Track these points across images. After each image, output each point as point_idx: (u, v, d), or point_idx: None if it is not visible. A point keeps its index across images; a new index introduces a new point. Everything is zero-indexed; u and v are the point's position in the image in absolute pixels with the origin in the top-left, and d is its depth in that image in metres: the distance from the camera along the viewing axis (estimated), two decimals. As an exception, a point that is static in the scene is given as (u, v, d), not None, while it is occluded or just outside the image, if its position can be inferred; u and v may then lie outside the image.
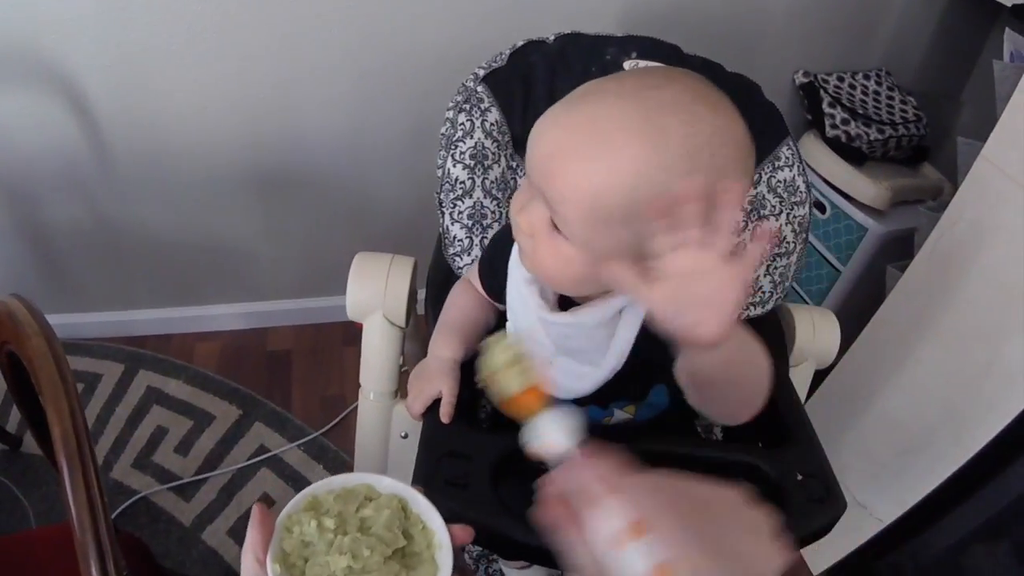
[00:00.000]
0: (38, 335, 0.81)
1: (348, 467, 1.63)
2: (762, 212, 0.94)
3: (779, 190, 0.94)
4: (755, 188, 0.94)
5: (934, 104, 1.78)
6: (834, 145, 1.67)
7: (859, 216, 1.64)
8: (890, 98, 1.75)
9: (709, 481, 0.47)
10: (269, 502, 1.58)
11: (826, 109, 1.67)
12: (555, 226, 0.64)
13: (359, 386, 1.02)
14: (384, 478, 0.57)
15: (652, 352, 0.72)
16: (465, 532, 0.57)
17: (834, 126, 1.66)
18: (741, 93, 0.95)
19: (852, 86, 1.73)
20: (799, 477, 0.82)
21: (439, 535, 0.55)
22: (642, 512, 0.41)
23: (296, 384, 1.85)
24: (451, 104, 0.95)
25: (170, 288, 1.90)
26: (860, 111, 1.68)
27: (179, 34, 1.45)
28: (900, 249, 1.62)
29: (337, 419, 1.74)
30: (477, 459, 0.74)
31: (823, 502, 0.81)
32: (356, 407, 1.71)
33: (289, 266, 1.90)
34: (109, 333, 1.92)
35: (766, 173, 0.94)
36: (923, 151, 1.76)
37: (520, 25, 1.50)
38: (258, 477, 1.63)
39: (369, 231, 1.83)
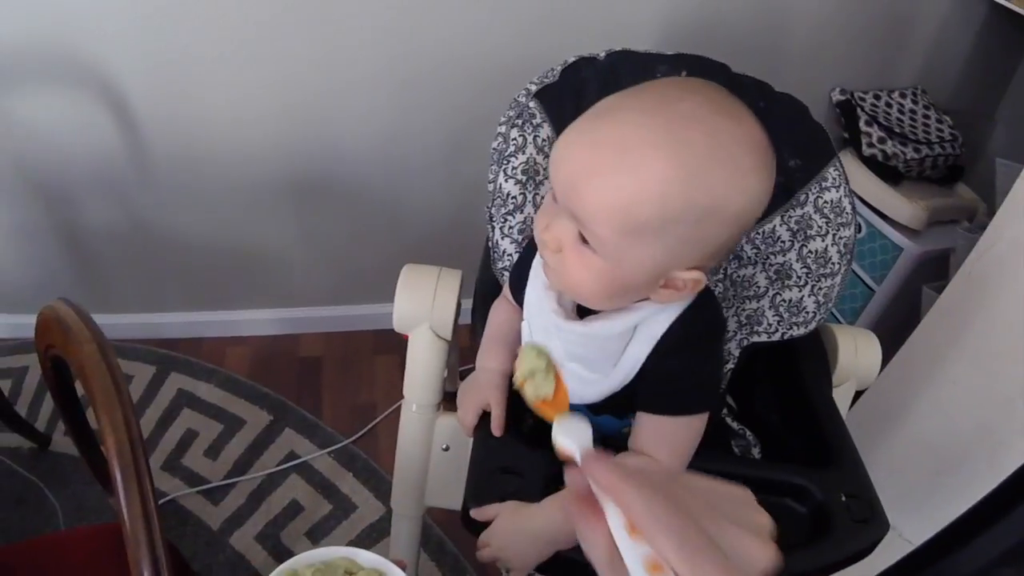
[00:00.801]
0: (90, 342, 0.81)
1: (377, 475, 1.64)
2: (809, 232, 0.94)
3: (826, 211, 0.94)
4: (802, 208, 0.94)
5: (968, 123, 1.78)
6: (870, 164, 1.66)
7: (895, 236, 1.64)
8: (926, 117, 1.74)
9: (715, 479, 0.48)
10: (298, 509, 1.59)
11: (863, 127, 1.66)
12: (583, 240, 0.65)
13: (402, 396, 1.02)
14: (363, 552, 0.58)
15: (665, 369, 0.73)
16: None
17: (871, 144, 1.65)
18: (790, 113, 0.96)
19: (888, 104, 1.73)
20: (843, 498, 0.82)
21: None
22: (634, 511, 0.42)
23: (326, 391, 1.85)
24: (503, 119, 0.96)
25: (202, 292, 1.91)
26: (897, 130, 1.67)
27: (219, 42, 1.46)
28: (935, 269, 1.61)
29: (367, 427, 1.74)
30: (530, 475, 0.75)
31: (867, 523, 0.81)
32: (386, 416, 1.75)
33: (322, 273, 1.91)
34: (141, 335, 1.93)
35: (813, 193, 0.94)
36: (958, 170, 1.75)
37: (555, 40, 1.52)
38: (288, 483, 1.63)
39: (403, 241, 1.84)
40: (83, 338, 0.81)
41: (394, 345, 1.92)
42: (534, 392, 0.54)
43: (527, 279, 0.82)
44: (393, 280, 1.00)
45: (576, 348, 0.75)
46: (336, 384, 1.87)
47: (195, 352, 1.91)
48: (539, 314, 0.78)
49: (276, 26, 1.46)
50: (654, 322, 0.72)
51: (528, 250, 0.85)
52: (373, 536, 1.53)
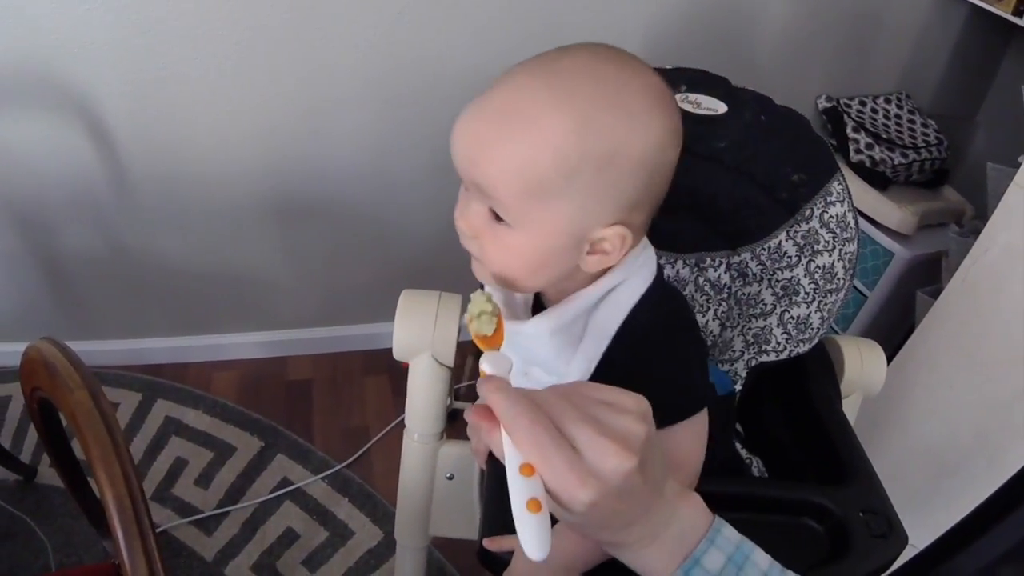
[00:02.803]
0: (80, 388, 0.77)
1: (373, 500, 1.61)
2: (816, 247, 0.93)
3: (832, 225, 0.93)
4: (808, 223, 0.93)
5: (951, 126, 1.79)
6: (858, 170, 1.67)
7: (885, 241, 1.64)
8: (911, 121, 1.75)
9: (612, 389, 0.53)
10: (293, 537, 1.55)
11: (850, 134, 1.66)
12: (496, 218, 0.63)
13: (395, 418, 1.00)
14: None
15: (632, 365, 0.69)
16: None
17: (858, 151, 1.66)
18: (792, 127, 0.95)
19: (874, 110, 1.73)
20: (861, 514, 0.81)
21: None
22: (502, 418, 0.49)
23: (317, 415, 1.82)
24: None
25: (187, 316, 1.87)
26: (883, 135, 1.68)
27: (200, 62, 1.43)
28: (926, 273, 1.62)
29: (361, 451, 1.71)
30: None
31: (886, 538, 0.80)
32: (379, 439, 1.72)
33: (308, 294, 1.88)
34: (125, 361, 1.89)
35: (818, 208, 0.93)
36: (944, 173, 1.76)
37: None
38: (282, 511, 1.60)
39: (390, 261, 1.82)
40: (73, 384, 0.77)
41: (384, 366, 1.89)
42: (477, 329, 0.61)
43: None
44: (382, 301, 0.97)
45: (530, 351, 0.74)
46: (327, 407, 1.84)
47: (181, 378, 1.87)
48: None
49: (259, 45, 1.43)
50: (607, 316, 0.70)
51: None
52: (372, 563, 1.50)
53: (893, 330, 1.69)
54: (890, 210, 1.63)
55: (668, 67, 0.96)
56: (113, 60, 1.41)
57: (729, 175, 0.96)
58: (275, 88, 1.50)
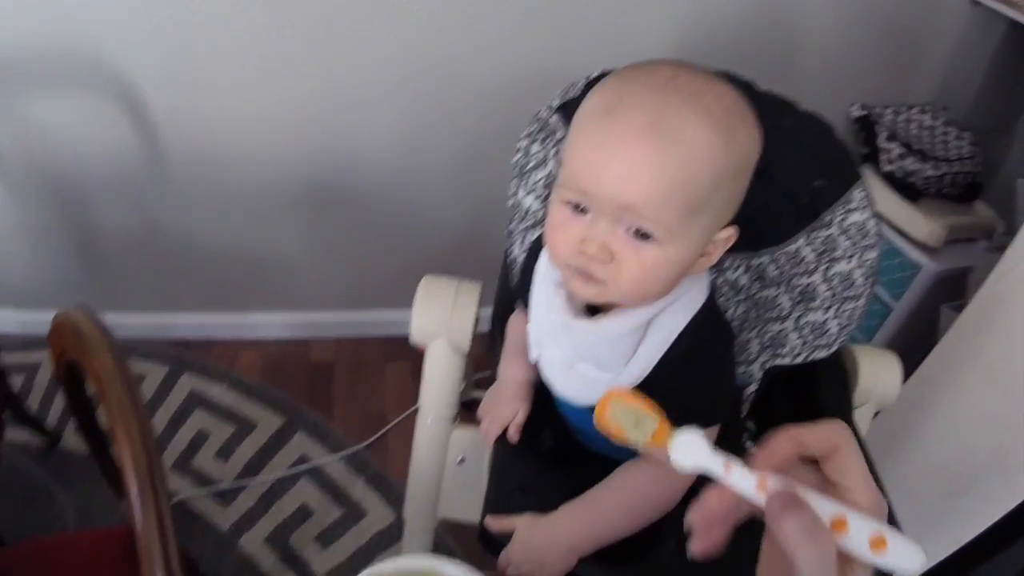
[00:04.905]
0: (106, 353, 0.80)
1: (387, 483, 1.64)
2: (834, 254, 0.93)
3: (851, 232, 0.93)
4: (827, 229, 0.94)
5: (986, 140, 1.76)
6: (889, 180, 1.65)
7: (913, 253, 1.62)
8: (945, 133, 1.73)
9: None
10: (307, 513, 1.58)
11: (882, 144, 1.65)
12: (638, 236, 0.64)
13: (413, 404, 1.02)
14: (448, 563, 0.56)
15: (678, 382, 0.72)
16: None
17: (890, 161, 1.64)
18: (816, 132, 0.95)
19: (908, 120, 1.72)
20: None
21: None
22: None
23: (338, 396, 1.85)
24: (524, 134, 0.95)
25: (215, 294, 1.91)
26: (916, 146, 1.66)
27: (236, 52, 1.48)
28: (953, 288, 1.60)
29: (378, 434, 1.74)
30: (548, 493, 0.74)
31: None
32: (397, 423, 1.74)
33: (335, 279, 1.91)
34: (154, 335, 1.94)
35: (839, 215, 0.93)
36: (976, 188, 1.74)
37: (570, 56, 1.52)
38: (298, 487, 1.63)
39: (416, 251, 1.85)
40: (100, 348, 0.80)
41: (406, 352, 1.90)
42: (640, 439, 0.51)
43: (531, 282, 0.82)
44: (406, 288, 0.99)
45: (586, 347, 0.75)
46: (348, 390, 1.87)
47: (207, 354, 1.92)
48: (547, 314, 0.77)
49: (292, 39, 1.47)
50: (668, 321, 0.72)
51: (532, 253, 0.85)
52: (382, 544, 1.53)
53: (918, 344, 1.67)
54: (919, 222, 1.61)
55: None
56: (154, 47, 1.46)
57: (753, 178, 0.96)
58: (307, 80, 1.53)
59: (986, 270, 1.29)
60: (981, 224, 1.69)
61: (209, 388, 1.83)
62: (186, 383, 1.84)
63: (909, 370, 1.43)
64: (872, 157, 1.68)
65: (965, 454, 1.33)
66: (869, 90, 1.75)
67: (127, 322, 1.92)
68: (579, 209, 0.66)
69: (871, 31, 1.66)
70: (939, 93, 1.80)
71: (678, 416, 0.73)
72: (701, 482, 0.49)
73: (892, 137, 1.66)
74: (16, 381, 1.74)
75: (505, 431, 0.81)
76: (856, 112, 1.71)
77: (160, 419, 1.75)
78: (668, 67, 0.66)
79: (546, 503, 0.72)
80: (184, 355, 1.90)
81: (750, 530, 0.60)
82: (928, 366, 1.39)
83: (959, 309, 1.35)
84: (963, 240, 1.66)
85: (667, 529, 0.75)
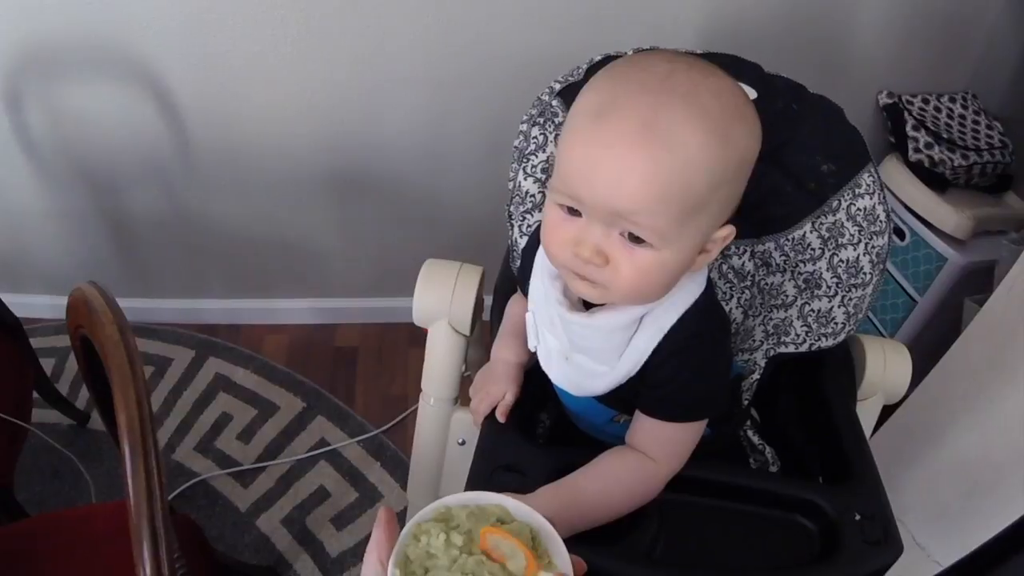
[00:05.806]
0: (111, 324, 0.85)
1: (404, 466, 1.65)
2: (840, 241, 0.92)
3: (858, 218, 0.92)
4: (834, 215, 0.92)
5: (1019, 130, 1.71)
6: (916, 170, 1.61)
7: (939, 245, 1.59)
8: (976, 123, 1.69)
9: None
10: (324, 495, 1.61)
11: (910, 132, 1.62)
12: (632, 240, 0.63)
13: (421, 390, 1.03)
14: (516, 503, 0.56)
15: (670, 374, 0.72)
16: (582, 568, 0.56)
17: (917, 150, 1.61)
18: (825, 116, 0.94)
19: (937, 109, 1.67)
20: (857, 517, 0.80)
21: (564, 571, 0.52)
22: None
23: (360, 381, 1.88)
24: (525, 117, 0.96)
25: (242, 280, 1.95)
26: (945, 135, 1.62)
27: (262, 40, 1.50)
28: (979, 281, 1.56)
29: (398, 418, 1.76)
30: (531, 473, 0.75)
31: (879, 545, 0.79)
32: (417, 408, 1.76)
33: (360, 266, 1.93)
34: (182, 320, 1.98)
35: (846, 200, 0.92)
36: (1007, 179, 1.69)
37: (600, 38, 1.50)
38: (316, 469, 1.66)
39: (441, 237, 1.86)
40: (106, 319, 0.84)
41: (429, 338, 1.93)
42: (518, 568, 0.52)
43: (531, 268, 0.82)
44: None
45: (582, 340, 0.75)
46: (370, 375, 1.90)
47: (234, 338, 1.96)
48: (544, 305, 0.77)
49: (319, 25, 1.48)
50: (662, 314, 0.71)
51: (533, 240, 0.85)
52: (397, 527, 1.54)
53: (942, 339, 1.63)
54: (946, 213, 1.57)
55: (699, 51, 0.96)
56: (182, 35, 1.49)
57: (758, 163, 0.95)
58: (333, 68, 1.55)
59: (1009, 262, 1.25)
60: (1011, 216, 1.65)
61: (234, 371, 1.87)
62: (212, 366, 1.88)
63: (934, 365, 1.40)
64: (899, 146, 1.65)
65: (983, 451, 1.30)
66: (900, 77, 1.71)
67: (157, 307, 1.97)
68: (573, 212, 0.65)
69: (904, 16, 1.62)
70: (972, 82, 1.75)
71: (669, 408, 0.74)
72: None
73: (919, 125, 1.62)
74: (48, 364, 1.80)
75: (493, 411, 0.81)
76: (884, 99, 1.68)
77: (185, 401, 1.80)
78: (663, 62, 0.64)
79: (529, 483, 0.72)
80: (211, 339, 1.95)
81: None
82: (948, 361, 1.36)
83: (983, 303, 1.32)
84: (992, 232, 1.62)
85: (648, 514, 0.75)
